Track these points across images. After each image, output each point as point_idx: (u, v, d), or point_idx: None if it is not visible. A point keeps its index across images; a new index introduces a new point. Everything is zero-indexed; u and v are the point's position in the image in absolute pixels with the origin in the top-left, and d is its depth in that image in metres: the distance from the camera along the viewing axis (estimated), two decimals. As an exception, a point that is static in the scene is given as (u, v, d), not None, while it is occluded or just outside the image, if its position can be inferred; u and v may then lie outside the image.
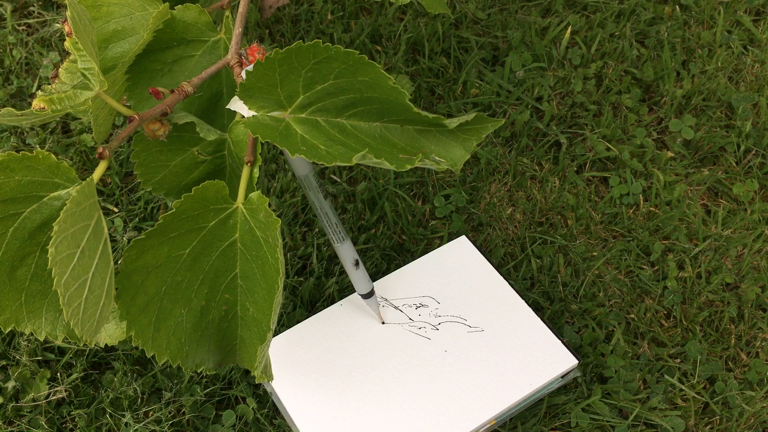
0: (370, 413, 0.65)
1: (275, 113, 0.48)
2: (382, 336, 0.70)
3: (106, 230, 0.46)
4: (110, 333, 0.52)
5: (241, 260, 0.52)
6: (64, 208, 0.41)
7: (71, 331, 0.50)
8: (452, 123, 0.46)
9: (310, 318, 0.72)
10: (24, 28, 0.98)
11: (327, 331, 0.70)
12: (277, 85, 0.46)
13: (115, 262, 0.48)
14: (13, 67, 0.93)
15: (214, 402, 0.71)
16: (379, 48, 0.99)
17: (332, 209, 0.62)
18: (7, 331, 0.49)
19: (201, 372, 0.53)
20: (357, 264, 0.66)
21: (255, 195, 0.49)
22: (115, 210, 0.82)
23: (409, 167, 0.44)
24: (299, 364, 0.68)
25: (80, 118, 0.89)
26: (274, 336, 0.70)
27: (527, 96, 0.96)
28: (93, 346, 0.51)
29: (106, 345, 0.61)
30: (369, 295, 0.69)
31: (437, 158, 0.46)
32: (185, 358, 0.52)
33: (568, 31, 1.01)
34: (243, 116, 0.51)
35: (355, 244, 0.81)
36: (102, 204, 0.82)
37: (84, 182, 0.44)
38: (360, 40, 0.98)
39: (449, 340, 0.70)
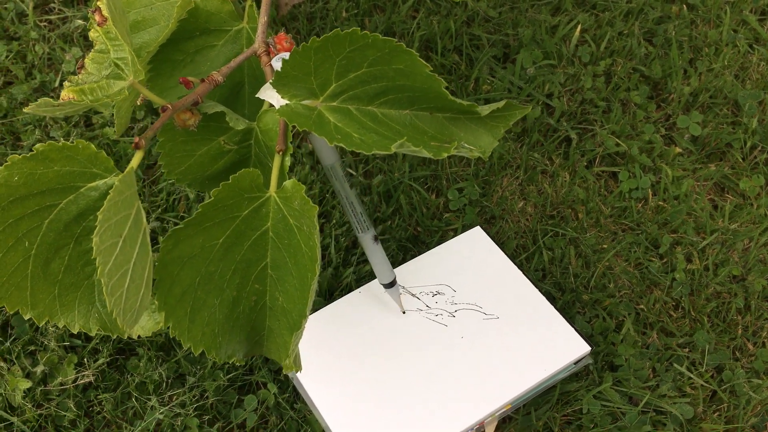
0: (388, 397, 0.67)
1: (307, 102, 0.49)
2: (399, 322, 0.72)
3: (145, 220, 0.46)
4: (143, 324, 0.52)
5: (272, 249, 0.51)
6: (108, 197, 0.41)
7: (105, 323, 0.50)
8: (484, 110, 0.48)
9: (329, 305, 0.74)
10: (45, 24, 1.00)
11: (346, 318, 0.72)
12: (311, 74, 0.47)
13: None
14: (35, 62, 0.96)
15: (236, 387, 0.73)
16: (392, 45, 1.01)
17: (357, 198, 0.64)
18: (41, 324, 0.48)
19: (232, 362, 0.53)
20: (376, 240, 0.67)
21: (290, 183, 0.50)
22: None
23: (445, 155, 0.45)
24: (319, 350, 0.70)
25: (102, 112, 0.91)
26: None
27: (538, 92, 0.98)
28: (135, 337, 0.51)
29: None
30: (391, 284, 0.71)
31: (467, 145, 0.48)
32: (218, 349, 0.51)
33: (578, 29, 1.03)
34: (272, 105, 0.52)
35: (371, 235, 0.84)
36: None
37: (125, 172, 0.44)
38: (374, 38, 1.00)
39: (465, 327, 0.72)
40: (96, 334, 0.74)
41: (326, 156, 0.60)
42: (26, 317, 0.48)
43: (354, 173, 0.89)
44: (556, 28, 1.04)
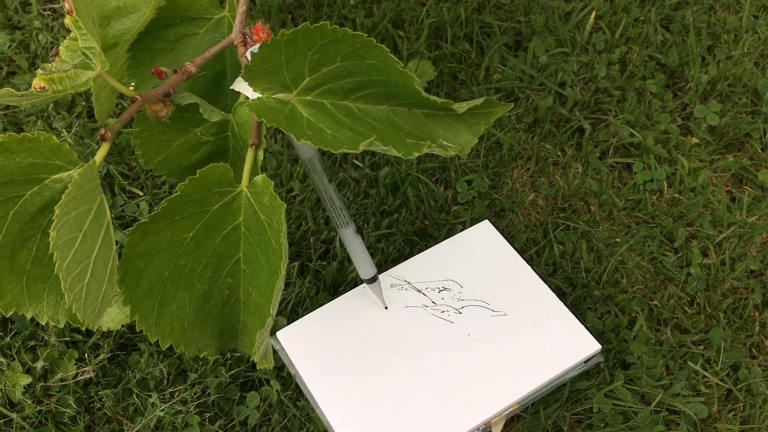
0: (392, 395, 0.66)
1: (280, 95, 0.47)
2: (405, 319, 0.70)
3: (108, 214, 0.46)
4: (113, 317, 0.51)
5: (244, 244, 0.51)
6: (66, 191, 0.41)
7: (73, 315, 0.49)
8: (461, 108, 0.46)
9: (332, 301, 0.72)
10: (49, 13, 0.99)
11: (350, 314, 0.71)
12: (283, 67, 0.45)
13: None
14: (39, 52, 0.94)
15: (238, 384, 0.72)
16: (401, 33, 0.98)
17: (336, 193, 0.62)
18: (8, 315, 0.48)
19: (203, 357, 0.53)
20: (358, 232, 0.65)
21: (260, 178, 0.49)
22: (141, 194, 0.83)
23: (416, 154, 0.44)
24: (322, 347, 0.69)
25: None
26: (298, 319, 0.71)
27: (550, 81, 0.96)
28: (95, 329, 0.51)
29: (132, 326, 0.62)
30: (373, 279, 0.69)
31: (445, 143, 0.46)
32: (188, 343, 0.51)
33: (592, 15, 1.00)
34: (247, 97, 0.51)
35: (377, 228, 0.82)
36: (127, 187, 0.83)
37: (86, 165, 0.43)
38: (382, 25, 0.98)
39: (472, 324, 0.70)
40: (96, 330, 0.73)
41: (304, 150, 0.58)
42: None
43: (360, 165, 0.87)
44: (569, 15, 1.01)
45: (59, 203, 0.40)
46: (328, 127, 0.46)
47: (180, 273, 0.50)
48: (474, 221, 0.83)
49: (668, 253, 0.84)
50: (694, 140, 0.92)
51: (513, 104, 0.48)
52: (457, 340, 0.69)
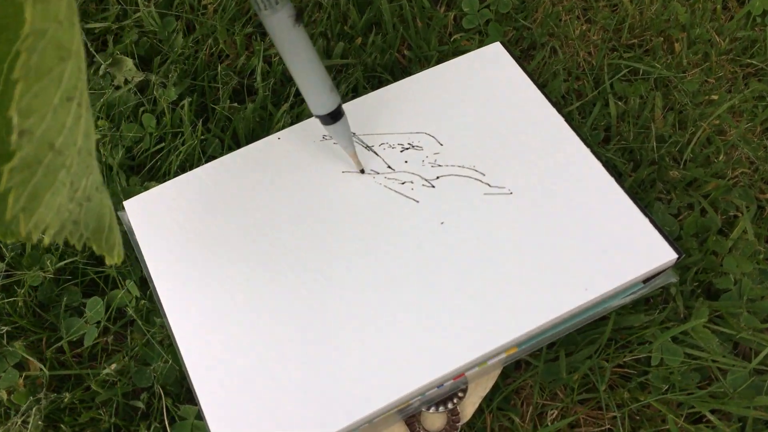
0: (294, 320, 0.38)
1: None
2: (339, 190, 0.42)
3: None
4: None
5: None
6: None
7: None
8: None
9: (229, 155, 0.43)
10: None
11: (253, 175, 0.42)
12: None
13: None
14: None
15: (78, 283, 0.45)
16: None
17: None
18: None
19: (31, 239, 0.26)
20: (298, 21, 0.35)
21: None
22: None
23: None
24: (195, 233, 0.41)
25: None
26: (168, 179, 0.43)
27: None
28: None
29: None
30: (334, 116, 0.39)
31: None
32: None
33: None
34: None
35: (327, 57, 0.52)
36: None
37: None
38: None
39: (451, 206, 0.41)
40: None
41: None
42: None
43: (315, -35, 0.57)
44: None
45: None
46: None
47: None
48: (483, 55, 0.52)
49: (796, 122, 0.52)
50: None
51: None
52: (423, 231, 0.40)
